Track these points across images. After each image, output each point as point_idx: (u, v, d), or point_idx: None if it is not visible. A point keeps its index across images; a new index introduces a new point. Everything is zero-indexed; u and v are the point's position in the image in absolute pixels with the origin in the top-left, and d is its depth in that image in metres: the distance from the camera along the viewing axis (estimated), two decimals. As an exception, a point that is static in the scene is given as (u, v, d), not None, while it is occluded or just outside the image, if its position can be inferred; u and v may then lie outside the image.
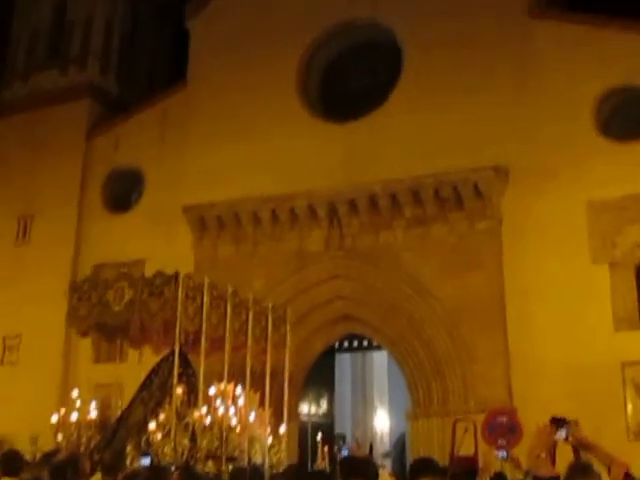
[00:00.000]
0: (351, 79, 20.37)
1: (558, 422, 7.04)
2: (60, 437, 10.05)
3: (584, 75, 17.14)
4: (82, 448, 9.87)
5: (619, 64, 16.87)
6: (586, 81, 17.10)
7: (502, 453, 13.96)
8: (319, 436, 11.99)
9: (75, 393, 10.57)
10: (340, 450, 17.67)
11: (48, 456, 9.84)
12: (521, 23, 18.02)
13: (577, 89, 17.14)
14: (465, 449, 14.68)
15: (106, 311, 10.08)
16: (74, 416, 10.02)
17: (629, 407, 15.47)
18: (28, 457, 9.91)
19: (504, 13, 18.15)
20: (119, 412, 11.03)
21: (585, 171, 16.63)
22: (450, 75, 18.27)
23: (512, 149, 17.25)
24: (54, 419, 10.03)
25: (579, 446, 6.78)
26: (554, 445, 6.82)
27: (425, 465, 6.30)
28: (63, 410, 10.15)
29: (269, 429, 10.98)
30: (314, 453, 12.27)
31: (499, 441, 14.08)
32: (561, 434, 6.77)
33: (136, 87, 23.99)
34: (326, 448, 11.70)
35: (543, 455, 6.41)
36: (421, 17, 18.83)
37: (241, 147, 19.69)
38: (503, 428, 14.31)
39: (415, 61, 18.82)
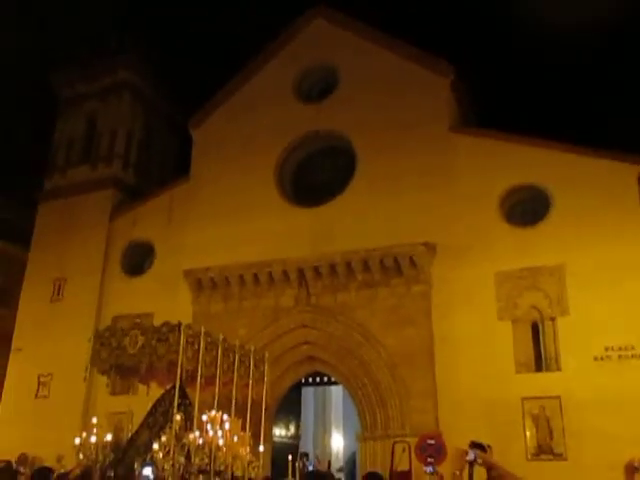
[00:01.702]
0: (317, 174, 20.59)
1: (475, 446, 6.99)
2: (81, 456, 9.77)
3: (493, 176, 17.54)
4: (99, 465, 9.59)
5: (520, 168, 17.28)
6: (495, 181, 17.52)
7: (430, 469, 13.80)
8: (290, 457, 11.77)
9: (94, 420, 10.32)
10: (305, 465, 17.30)
11: (62, 476, 9.60)
12: (445, 136, 18.47)
13: (488, 187, 17.53)
14: (402, 465, 14.53)
15: (123, 354, 9.93)
16: (93, 439, 9.75)
17: (527, 434, 15.44)
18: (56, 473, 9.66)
19: (432, 128, 18.58)
20: (129, 435, 10.76)
21: (493, 248, 16.94)
22: (392, 173, 18.61)
23: (439, 230, 17.51)
24: (77, 441, 9.74)
25: (485, 466, 6.74)
26: (471, 464, 6.76)
27: (372, 477, 6.24)
28: (84, 434, 9.87)
29: (249, 448, 10.77)
30: (285, 468, 12.03)
31: (428, 459, 13.96)
32: (470, 456, 6.71)
33: (149, 180, 24.08)
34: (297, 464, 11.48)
35: (458, 473, 6.39)
36: (370, 129, 19.24)
37: (231, 226, 19.78)
38: (432, 449, 14.20)
39: (366, 162, 19.16)
